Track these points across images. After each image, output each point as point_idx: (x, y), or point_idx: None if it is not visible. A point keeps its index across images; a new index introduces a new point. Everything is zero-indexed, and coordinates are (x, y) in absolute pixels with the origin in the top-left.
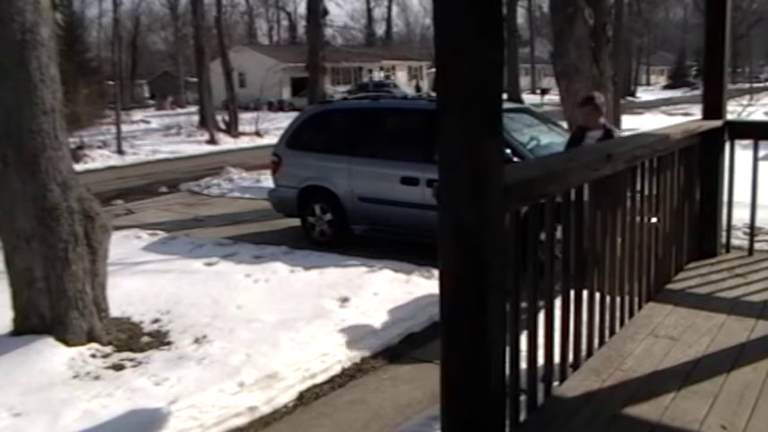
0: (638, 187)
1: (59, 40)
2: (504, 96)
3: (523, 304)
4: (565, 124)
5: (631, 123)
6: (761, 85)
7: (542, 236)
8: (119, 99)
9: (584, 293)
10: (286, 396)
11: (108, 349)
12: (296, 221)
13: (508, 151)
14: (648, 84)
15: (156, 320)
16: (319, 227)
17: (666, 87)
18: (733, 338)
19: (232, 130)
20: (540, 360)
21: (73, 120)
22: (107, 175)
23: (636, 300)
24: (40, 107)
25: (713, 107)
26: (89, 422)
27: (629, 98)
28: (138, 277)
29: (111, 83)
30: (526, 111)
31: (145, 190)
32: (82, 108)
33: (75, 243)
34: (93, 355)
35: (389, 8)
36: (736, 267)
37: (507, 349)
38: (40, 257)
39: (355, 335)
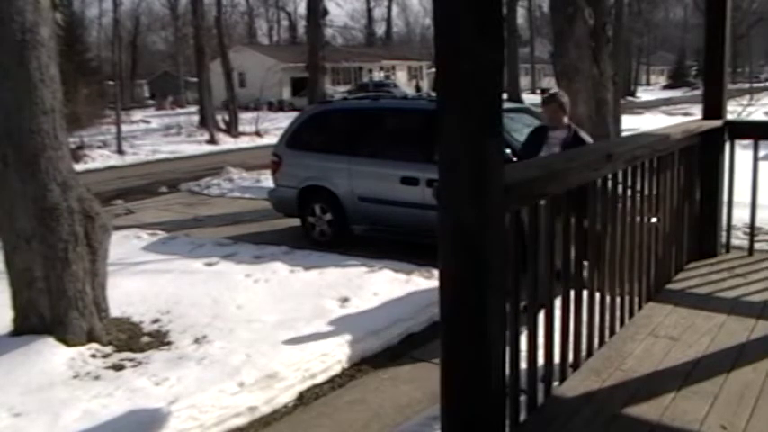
0: (638, 187)
1: (59, 40)
2: (504, 96)
3: (523, 303)
4: None
5: (631, 123)
6: (761, 85)
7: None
8: (119, 99)
9: (584, 293)
10: (286, 396)
11: (108, 349)
12: (296, 221)
13: (508, 151)
14: (648, 84)
15: (156, 320)
16: (319, 227)
17: (666, 87)
18: (733, 338)
19: (232, 130)
20: (540, 360)
21: (73, 120)
22: (107, 175)
23: (636, 300)
24: (40, 107)
25: (713, 107)
26: (89, 422)
27: (629, 98)
28: (138, 277)
29: (111, 83)
30: (526, 111)
31: (145, 190)
32: (82, 108)
33: (75, 243)
34: (93, 355)
35: (389, 8)
36: (736, 267)
37: (507, 349)
38: (40, 257)
39: (355, 335)
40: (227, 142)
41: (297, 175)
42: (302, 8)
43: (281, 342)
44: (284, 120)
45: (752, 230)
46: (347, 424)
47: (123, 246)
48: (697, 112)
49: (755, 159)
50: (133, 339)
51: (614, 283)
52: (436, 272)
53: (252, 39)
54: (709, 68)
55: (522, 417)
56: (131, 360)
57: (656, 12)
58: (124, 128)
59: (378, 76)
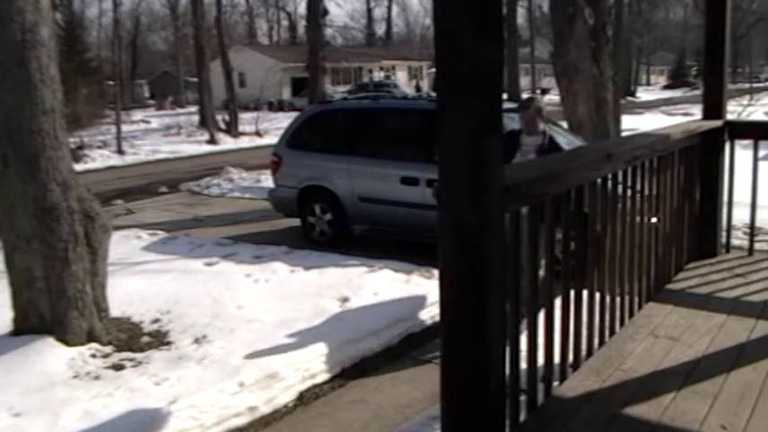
0: (638, 187)
1: (59, 40)
2: (504, 96)
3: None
4: (565, 124)
5: (631, 123)
6: (761, 85)
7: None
8: (119, 99)
9: (585, 293)
10: (286, 396)
11: (108, 349)
12: (296, 221)
13: None
14: (648, 84)
15: (156, 320)
16: (319, 227)
17: (666, 87)
18: (733, 338)
19: (232, 129)
20: (540, 360)
21: (73, 120)
22: (107, 175)
23: (636, 300)
24: (40, 107)
25: (713, 107)
26: (89, 422)
27: (629, 98)
28: (138, 277)
29: (111, 83)
30: None
31: (145, 190)
32: (82, 108)
33: (75, 243)
34: (93, 355)
35: (389, 8)
36: (736, 267)
37: (507, 349)
38: (40, 257)
39: (355, 335)
40: (227, 142)
41: (297, 175)
42: (302, 8)
43: (281, 342)
44: (284, 120)
45: (752, 230)
46: (347, 424)
47: (123, 246)
48: (697, 112)
49: (755, 159)
50: (133, 339)
51: (614, 283)
52: (436, 272)
53: (252, 39)
54: (709, 68)
55: (522, 417)
56: (131, 360)
57: (656, 12)
58: (124, 128)
59: (378, 76)
